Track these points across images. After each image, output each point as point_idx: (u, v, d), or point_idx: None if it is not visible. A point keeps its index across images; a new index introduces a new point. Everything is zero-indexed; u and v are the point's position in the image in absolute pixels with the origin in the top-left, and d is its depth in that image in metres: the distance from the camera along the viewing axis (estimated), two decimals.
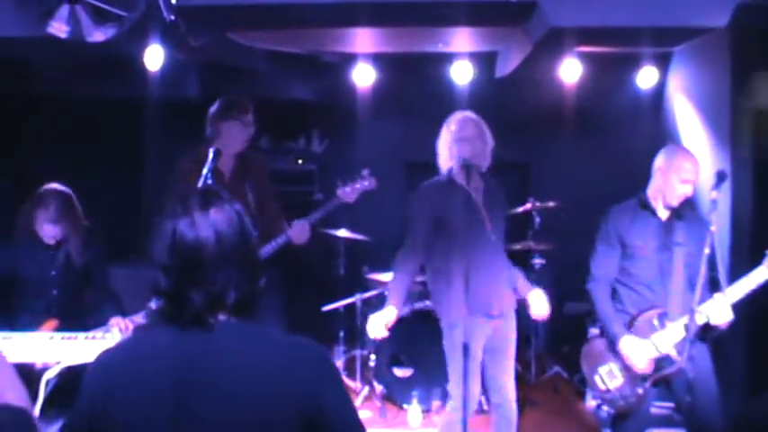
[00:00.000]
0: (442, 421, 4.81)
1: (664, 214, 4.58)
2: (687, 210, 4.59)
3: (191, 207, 2.12)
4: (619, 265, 4.62)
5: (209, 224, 2.10)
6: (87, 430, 2.08)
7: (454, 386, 4.66)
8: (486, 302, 4.58)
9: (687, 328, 4.23)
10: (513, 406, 4.74)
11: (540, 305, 4.70)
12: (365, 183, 5.24)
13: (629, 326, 4.48)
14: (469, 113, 4.80)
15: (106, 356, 2.17)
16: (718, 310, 4.24)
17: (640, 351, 4.38)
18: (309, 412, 2.05)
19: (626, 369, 4.45)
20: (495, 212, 4.69)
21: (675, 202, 4.51)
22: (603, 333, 4.64)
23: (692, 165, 4.49)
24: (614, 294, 4.64)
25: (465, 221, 4.53)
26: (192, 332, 2.08)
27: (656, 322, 4.42)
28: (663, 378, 4.41)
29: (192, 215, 2.10)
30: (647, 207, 4.60)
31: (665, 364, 4.37)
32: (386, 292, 5.83)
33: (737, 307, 4.29)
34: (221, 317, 2.11)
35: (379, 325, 4.66)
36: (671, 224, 4.54)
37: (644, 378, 4.41)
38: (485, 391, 4.91)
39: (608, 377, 4.52)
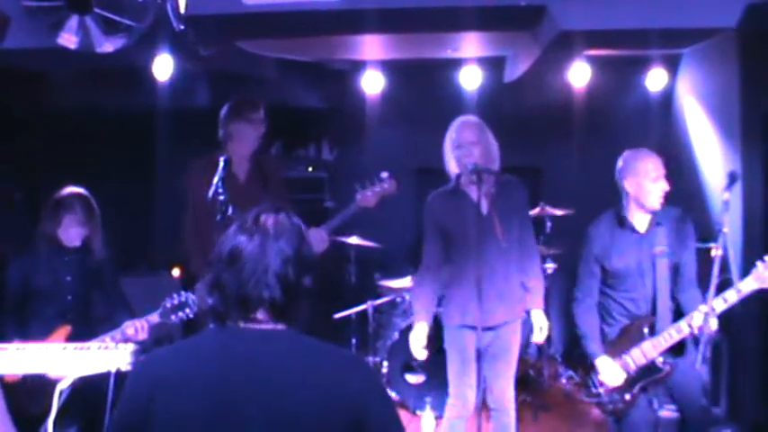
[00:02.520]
0: (444, 417, 4.88)
1: (643, 225, 4.56)
2: (663, 214, 4.54)
3: (248, 214, 2.24)
4: (605, 281, 4.67)
5: (253, 228, 2.18)
6: (132, 427, 2.12)
7: (452, 385, 4.78)
8: (487, 312, 4.58)
9: (700, 329, 4.22)
10: (511, 412, 4.81)
11: (537, 331, 4.82)
12: (385, 186, 5.08)
13: (621, 333, 4.56)
14: (469, 117, 4.81)
15: (153, 357, 2.24)
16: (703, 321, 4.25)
17: (613, 371, 4.50)
18: (354, 424, 2.09)
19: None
20: (507, 218, 4.68)
21: (657, 204, 4.48)
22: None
23: (653, 162, 4.49)
24: (603, 308, 4.69)
25: (471, 231, 4.57)
26: (240, 334, 2.15)
27: (645, 330, 4.49)
28: (649, 384, 4.50)
29: (245, 221, 2.21)
30: (624, 224, 4.58)
31: (653, 371, 4.47)
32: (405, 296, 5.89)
33: (750, 299, 4.32)
34: (272, 323, 2.17)
35: (417, 347, 4.78)
36: (651, 234, 4.53)
37: (632, 384, 4.50)
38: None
39: (599, 381, 4.59)
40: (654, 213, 4.52)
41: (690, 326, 4.31)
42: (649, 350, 4.44)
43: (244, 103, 5.15)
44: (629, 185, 4.52)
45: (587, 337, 4.61)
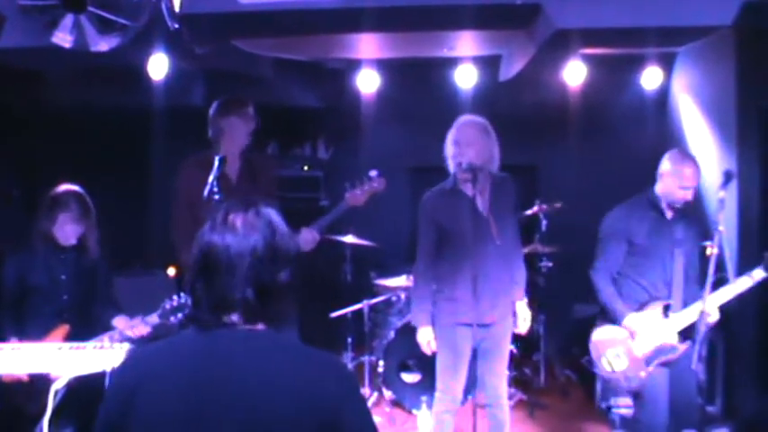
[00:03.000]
0: (432, 411, 4.97)
1: (669, 213, 4.78)
2: (686, 208, 4.78)
3: (218, 213, 2.19)
4: (626, 260, 4.84)
5: (223, 229, 2.14)
6: (115, 426, 2.12)
7: (440, 380, 4.86)
8: (482, 310, 4.65)
9: (696, 328, 4.39)
10: (506, 407, 4.89)
11: (520, 322, 4.90)
12: (374, 184, 5.09)
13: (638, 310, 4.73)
14: (473, 117, 4.84)
15: (136, 354, 2.30)
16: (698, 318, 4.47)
17: (644, 325, 4.65)
18: (326, 426, 2.05)
19: (630, 353, 4.69)
20: (503, 216, 4.71)
21: (677, 205, 4.73)
22: (606, 317, 4.85)
23: (692, 172, 4.67)
24: (621, 289, 4.84)
25: (467, 229, 4.64)
26: (216, 336, 2.12)
27: (660, 312, 4.67)
28: (664, 363, 4.66)
29: (215, 220, 2.17)
30: (657, 208, 4.76)
31: (667, 351, 4.63)
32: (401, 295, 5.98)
33: (746, 298, 4.40)
34: (248, 324, 2.13)
35: (429, 348, 4.86)
36: (674, 222, 4.76)
37: (648, 362, 4.66)
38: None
39: (615, 360, 4.74)
40: (676, 209, 4.77)
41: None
42: (665, 330, 4.62)
43: (232, 100, 5.15)
44: (663, 179, 4.74)
45: (611, 301, 4.76)
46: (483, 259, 4.61)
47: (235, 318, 2.13)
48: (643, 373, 4.66)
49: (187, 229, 4.99)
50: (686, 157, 4.83)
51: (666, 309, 4.68)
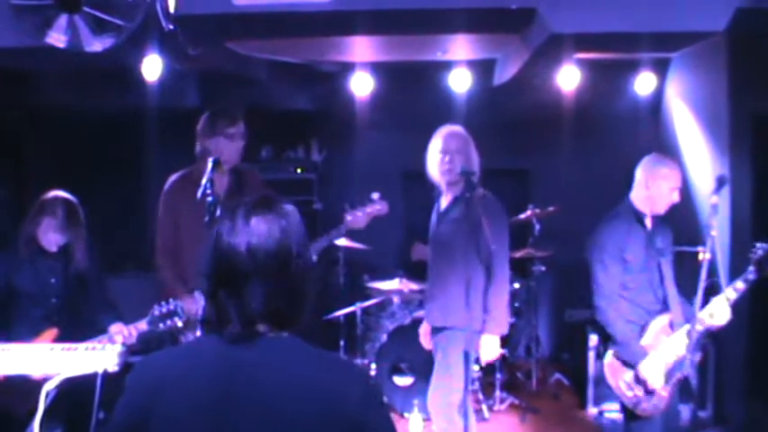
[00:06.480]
0: None
1: (649, 223, 4.62)
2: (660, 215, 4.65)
3: (236, 213, 2.06)
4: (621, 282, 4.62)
5: (246, 233, 2.03)
6: (133, 430, 2.05)
7: None
8: (429, 313, 4.91)
9: (689, 335, 4.32)
10: (439, 422, 4.81)
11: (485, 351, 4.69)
12: (376, 207, 4.87)
13: (646, 331, 4.51)
14: (455, 127, 4.85)
15: (153, 360, 2.14)
16: (718, 311, 4.34)
17: (657, 371, 4.42)
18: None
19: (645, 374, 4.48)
20: (460, 227, 4.69)
21: (663, 211, 4.57)
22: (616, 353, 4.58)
23: (678, 173, 4.58)
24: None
25: (431, 233, 4.93)
26: (242, 345, 2.04)
27: (667, 328, 4.50)
28: (678, 380, 4.47)
29: (234, 221, 2.05)
30: (640, 220, 4.59)
31: (680, 367, 4.43)
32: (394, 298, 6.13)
33: (738, 305, 4.35)
34: (265, 330, 2.06)
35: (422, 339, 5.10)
36: (654, 232, 4.59)
37: (667, 380, 4.45)
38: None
39: (634, 383, 4.49)
40: (656, 217, 4.62)
41: (711, 315, 4.34)
42: (678, 346, 4.44)
43: (221, 116, 4.81)
44: (649, 184, 4.56)
45: (627, 344, 4.47)
46: (436, 266, 4.83)
47: (262, 327, 2.05)
48: (664, 393, 4.43)
49: (171, 248, 4.86)
50: (668, 159, 4.69)
51: (671, 322, 4.51)
